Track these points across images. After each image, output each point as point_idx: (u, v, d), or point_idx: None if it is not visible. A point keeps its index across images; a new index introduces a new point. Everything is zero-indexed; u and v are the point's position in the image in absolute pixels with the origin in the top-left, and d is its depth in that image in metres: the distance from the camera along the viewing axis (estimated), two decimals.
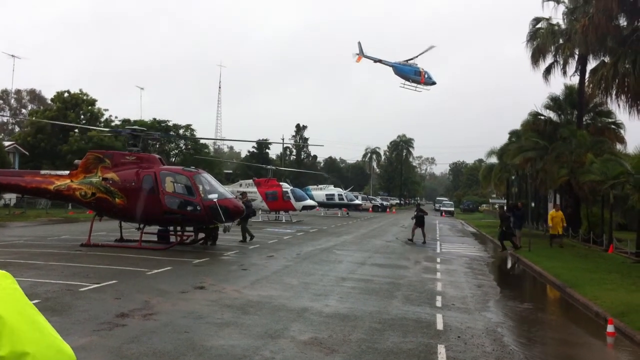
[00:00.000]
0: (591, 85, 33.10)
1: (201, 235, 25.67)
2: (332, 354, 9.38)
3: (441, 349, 9.99)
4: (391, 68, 54.97)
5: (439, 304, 14.41)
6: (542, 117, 44.52)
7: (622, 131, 42.02)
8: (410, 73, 54.70)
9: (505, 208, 35.89)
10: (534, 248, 28.38)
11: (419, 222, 33.40)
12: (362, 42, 55.08)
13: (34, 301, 11.67)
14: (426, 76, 54.83)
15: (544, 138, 42.07)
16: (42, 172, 27.40)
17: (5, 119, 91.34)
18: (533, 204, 54.04)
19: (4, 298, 1.94)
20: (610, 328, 11.91)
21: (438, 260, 24.67)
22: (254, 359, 8.86)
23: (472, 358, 9.66)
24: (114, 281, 15.26)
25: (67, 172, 25.82)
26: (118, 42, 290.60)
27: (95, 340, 9.49)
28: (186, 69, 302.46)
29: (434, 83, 55.91)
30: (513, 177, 62.55)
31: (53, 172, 26.82)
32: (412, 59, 55.34)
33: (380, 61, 55.13)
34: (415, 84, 55.21)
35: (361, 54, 55.53)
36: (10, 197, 48.95)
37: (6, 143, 53.63)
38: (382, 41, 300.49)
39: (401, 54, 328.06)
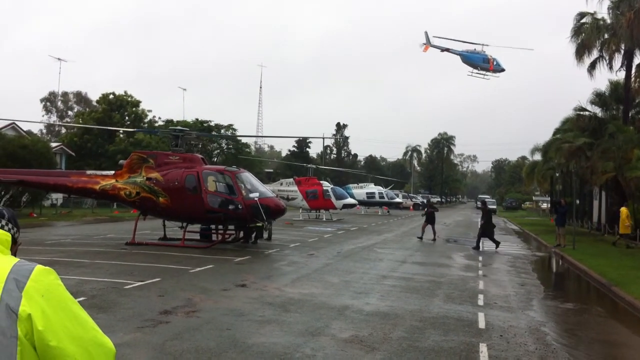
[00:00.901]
0: (637, 80, 32.37)
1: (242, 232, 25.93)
2: (373, 352, 9.39)
3: (483, 348, 9.91)
4: (459, 57, 53.99)
5: (480, 302, 14.28)
6: (587, 113, 43.65)
7: None
8: (479, 61, 53.70)
9: (485, 202, 34.43)
10: (578, 246, 27.89)
11: (429, 219, 32.90)
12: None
13: (80, 298, 12.00)
14: (495, 63, 53.72)
15: (589, 134, 41.27)
16: (88, 172, 27.98)
17: (52, 121, 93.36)
18: (578, 201, 53.04)
19: (47, 295, 2.03)
20: None
21: (480, 258, 24.43)
22: (295, 357, 8.92)
23: (514, 357, 9.56)
24: (157, 279, 15.52)
25: (112, 172, 26.33)
26: (160, 44, 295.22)
27: (139, 337, 9.68)
28: (227, 69, 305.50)
29: (502, 70, 54.77)
30: (557, 174, 61.53)
31: (98, 172, 27.37)
32: (482, 45, 54.06)
33: (447, 50, 54.40)
34: (484, 72, 54.17)
35: (428, 43, 55.01)
36: (57, 197, 50.11)
37: (53, 144, 54.85)
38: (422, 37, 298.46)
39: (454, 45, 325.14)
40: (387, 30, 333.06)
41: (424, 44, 55.17)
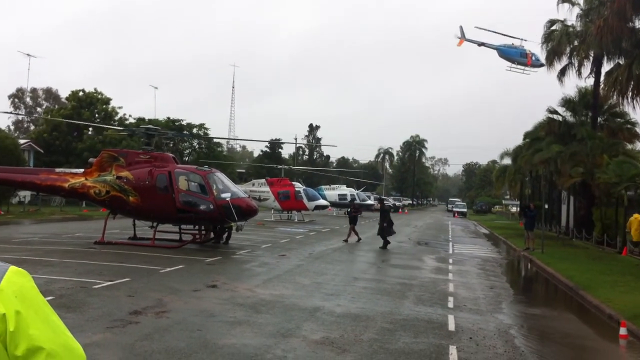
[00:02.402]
0: (606, 87, 32.91)
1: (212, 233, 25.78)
2: (344, 353, 9.41)
3: (453, 350, 9.99)
4: (495, 51, 53.36)
5: (450, 305, 14.40)
6: (557, 119, 44.29)
7: (637, 129, 41.80)
8: (516, 55, 53.20)
9: (384, 201, 33.28)
10: (547, 250, 28.25)
11: (353, 221, 31.52)
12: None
13: (48, 298, 11.80)
14: (533, 58, 53.11)
15: (558, 139, 41.88)
16: (57, 170, 27.59)
17: (20, 117, 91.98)
18: (546, 206, 53.80)
19: (21, 296, 1.99)
20: (623, 331, 11.86)
21: (450, 261, 24.62)
22: (265, 358, 8.90)
23: (484, 359, 9.65)
24: (127, 279, 15.37)
25: (82, 170, 26.00)
26: (132, 41, 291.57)
27: (108, 337, 9.57)
28: (200, 68, 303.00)
29: (542, 65, 54.07)
30: (527, 179, 62.35)
31: (68, 170, 27.01)
32: (520, 40, 53.37)
33: (483, 44, 53.90)
34: (522, 67, 53.75)
35: (463, 37, 54.66)
36: (25, 195, 49.36)
37: (21, 141, 54.03)
38: (399, 38, 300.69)
39: (418, 49, 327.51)
40: (363, 31, 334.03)
41: (459, 37, 54.84)
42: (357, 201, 70.36)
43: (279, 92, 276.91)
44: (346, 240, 30.48)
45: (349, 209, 31.05)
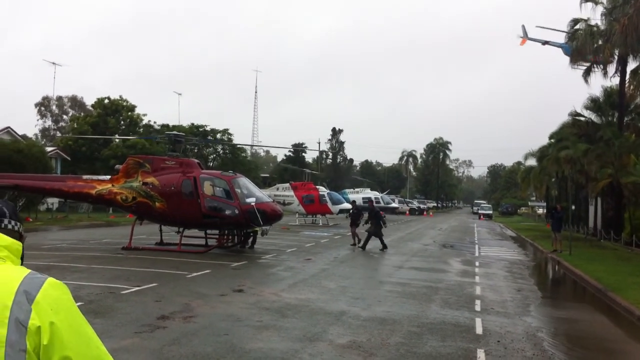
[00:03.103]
0: (632, 86, 32.51)
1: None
2: (371, 357, 9.38)
3: (481, 354, 9.91)
4: (560, 49, 52.70)
5: (478, 308, 14.29)
6: (583, 119, 43.80)
7: None
8: None
9: (375, 201, 32.15)
10: (574, 251, 27.93)
11: (354, 222, 30.57)
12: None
13: (78, 304, 11.93)
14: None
15: (584, 139, 41.41)
16: (84, 177, 27.91)
17: (47, 125, 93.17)
18: (573, 207, 53.26)
19: (56, 309, 2.02)
20: None
21: (477, 264, 24.45)
22: None
23: None
24: (154, 284, 15.49)
25: (109, 177, 26.28)
26: (155, 48, 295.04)
27: (136, 342, 9.65)
28: (224, 74, 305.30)
29: None
30: (553, 180, 61.66)
31: (95, 177, 27.31)
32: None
33: (547, 43, 53.28)
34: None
35: (525, 36, 54.15)
36: (53, 202, 49.97)
37: (48, 148, 54.71)
38: (421, 39, 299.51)
39: (440, 51, 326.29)
40: (385, 33, 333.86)
41: (521, 37, 54.33)
42: (382, 204, 70.46)
43: (301, 96, 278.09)
44: (354, 244, 29.55)
45: (350, 211, 29.95)
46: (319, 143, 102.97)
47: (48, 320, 1.96)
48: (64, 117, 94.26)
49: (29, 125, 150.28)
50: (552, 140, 52.25)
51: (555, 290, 21.13)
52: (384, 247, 28.07)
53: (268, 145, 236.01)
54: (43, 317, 1.95)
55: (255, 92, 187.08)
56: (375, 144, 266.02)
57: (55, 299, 2.02)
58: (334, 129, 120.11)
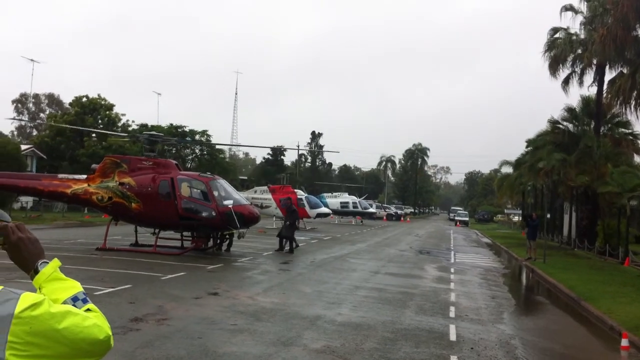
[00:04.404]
0: (609, 96, 32.96)
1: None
2: None
3: None
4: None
5: (452, 314, 14.36)
6: (560, 127, 44.25)
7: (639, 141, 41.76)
8: None
9: (290, 200, 30.53)
10: (549, 259, 28.19)
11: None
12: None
13: None
14: None
15: (561, 148, 41.81)
16: (60, 175, 27.60)
17: (23, 123, 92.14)
18: (548, 215, 53.81)
19: (34, 328, 1.89)
20: (624, 342, 11.79)
21: (452, 270, 24.57)
22: None
23: None
24: (128, 285, 15.35)
25: (85, 176, 26.00)
26: (135, 47, 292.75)
27: None
28: (204, 75, 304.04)
29: None
30: (529, 188, 62.25)
31: (70, 176, 26.98)
32: None
33: None
34: None
35: None
36: (27, 200, 49.41)
37: (24, 146, 54.08)
38: (400, 47, 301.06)
39: (422, 57, 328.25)
40: (368, 39, 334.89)
41: None
42: (360, 209, 70.57)
43: (282, 99, 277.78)
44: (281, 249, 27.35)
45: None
46: (298, 146, 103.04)
47: (25, 344, 1.85)
48: (41, 114, 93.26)
49: (4, 122, 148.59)
50: (530, 148, 52.59)
51: (529, 298, 21.31)
52: (291, 250, 26.99)
53: (246, 144, 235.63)
54: (19, 343, 1.85)
55: (236, 94, 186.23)
56: (355, 148, 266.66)
57: (31, 318, 1.89)
58: (313, 133, 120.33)
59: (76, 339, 1.95)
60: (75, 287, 2.21)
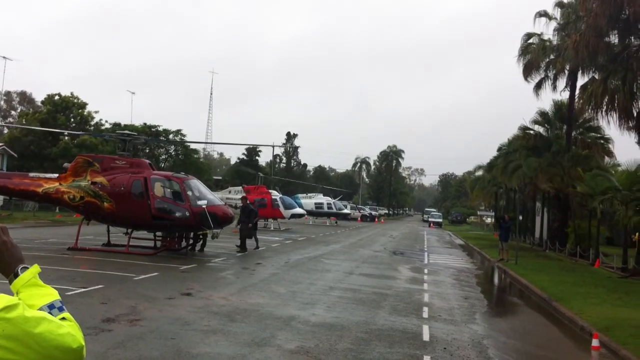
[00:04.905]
0: (581, 101, 33.40)
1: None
2: None
3: None
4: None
5: (425, 315, 14.44)
6: (532, 132, 44.78)
7: (610, 145, 42.46)
8: None
9: (247, 200, 30.12)
10: (520, 261, 28.48)
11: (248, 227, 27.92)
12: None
13: None
14: None
15: (533, 152, 42.33)
16: (31, 174, 27.24)
17: None
18: (521, 217, 54.37)
19: (7, 332, 1.88)
20: (595, 342, 11.97)
21: (425, 271, 24.71)
22: None
23: None
24: (100, 286, 15.18)
25: (56, 175, 25.69)
26: (111, 46, 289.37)
27: None
28: (179, 74, 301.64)
29: None
30: (501, 190, 62.86)
31: (42, 175, 26.65)
32: None
33: None
34: None
35: None
36: None
37: None
38: (378, 50, 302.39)
39: (399, 60, 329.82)
40: (343, 41, 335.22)
41: None
42: (335, 210, 70.69)
43: (258, 100, 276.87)
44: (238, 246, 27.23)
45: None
46: (273, 147, 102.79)
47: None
48: (12, 112, 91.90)
49: None
50: (503, 151, 53.07)
51: (501, 298, 21.51)
52: (243, 249, 26.79)
53: (220, 142, 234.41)
54: None
55: (211, 93, 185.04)
56: (330, 150, 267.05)
57: (5, 324, 1.86)
58: (288, 134, 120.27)
59: (49, 346, 1.93)
60: (52, 294, 2.19)
